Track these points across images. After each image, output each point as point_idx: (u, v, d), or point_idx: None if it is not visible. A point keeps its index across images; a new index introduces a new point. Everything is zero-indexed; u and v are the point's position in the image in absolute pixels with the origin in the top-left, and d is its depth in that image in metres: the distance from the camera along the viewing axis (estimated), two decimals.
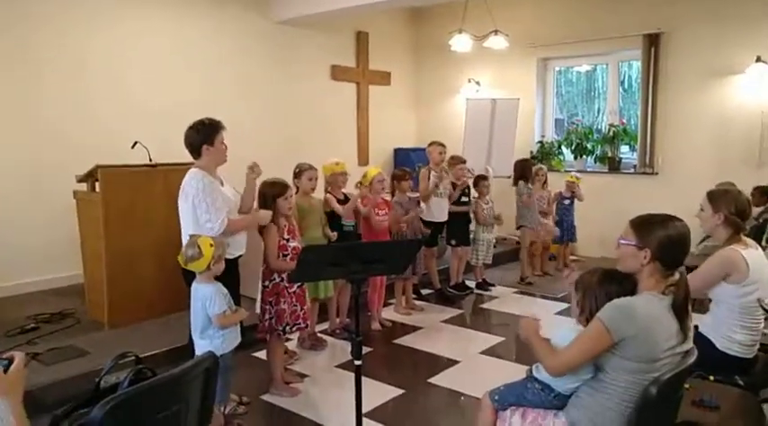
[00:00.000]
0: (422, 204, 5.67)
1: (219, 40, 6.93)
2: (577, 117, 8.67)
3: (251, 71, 7.28)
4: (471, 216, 6.19)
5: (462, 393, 3.89)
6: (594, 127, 8.36)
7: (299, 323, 3.81)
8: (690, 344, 2.14)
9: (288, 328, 3.74)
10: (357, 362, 2.63)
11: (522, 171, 6.53)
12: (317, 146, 6.99)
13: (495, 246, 6.54)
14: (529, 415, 2.29)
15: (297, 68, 7.79)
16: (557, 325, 2.35)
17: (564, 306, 5.51)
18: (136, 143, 4.78)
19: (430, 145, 5.87)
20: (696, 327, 2.73)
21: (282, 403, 3.75)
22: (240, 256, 3.62)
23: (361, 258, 2.59)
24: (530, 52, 8.14)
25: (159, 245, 4.56)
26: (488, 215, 6.21)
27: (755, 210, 4.82)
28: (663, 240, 2.12)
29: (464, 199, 6.03)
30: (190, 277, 3.21)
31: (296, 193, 4.18)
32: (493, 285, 6.43)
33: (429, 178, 5.68)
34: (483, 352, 4.65)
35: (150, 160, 4.85)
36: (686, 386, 2.28)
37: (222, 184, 3.56)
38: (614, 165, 7.80)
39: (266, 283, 3.75)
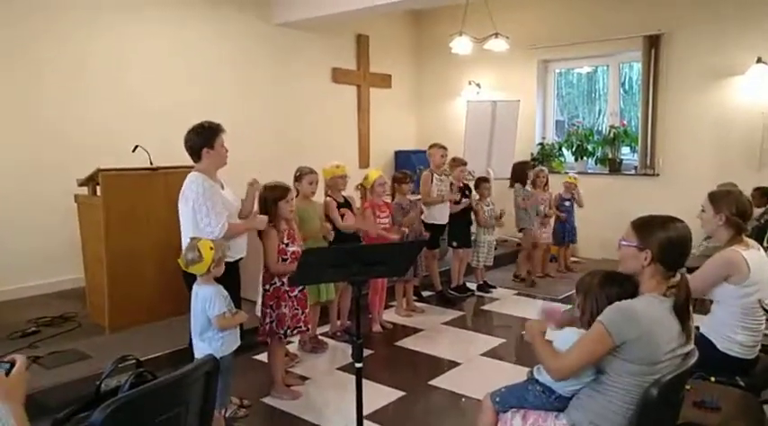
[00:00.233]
0: (423, 207, 5.69)
1: (220, 43, 6.94)
2: (578, 118, 8.67)
3: (251, 73, 7.30)
4: (472, 217, 6.19)
5: (463, 395, 3.89)
6: (595, 128, 8.35)
7: (300, 327, 3.81)
8: (691, 346, 2.14)
9: (289, 332, 3.74)
10: (358, 365, 2.63)
11: (519, 174, 6.55)
12: (317, 149, 7.01)
13: (495, 248, 6.54)
14: (530, 417, 2.29)
15: (297, 71, 7.80)
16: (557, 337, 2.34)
17: (565, 307, 5.49)
18: (137, 147, 4.79)
19: (431, 147, 5.88)
20: (697, 328, 2.73)
21: (283, 405, 3.74)
22: (241, 259, 3.63)
23: (362, 260, 2.59)
24: (530, 54, 8.14)
25: (160, 249, 4.57)
26: (489, 216, 6.21)
27: (757, 211, 4.82)
28: (663, 241, 2.12)
29: (465, 200, 6.03)
30: (190, 280, 3.22)
31: (296, 197, 4.17)
32: (494, 287, 6.43)
33: (431, 181, 5.69)
34: (484, 354, 4.64)
35: (151, 163, 4.85)
36: (687, 387, 2.28)
37: (222, 187, 3.57)
38: (615, 167, 7.80)
39: (267, 287, 3.74)
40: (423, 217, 5.68)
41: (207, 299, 3.07)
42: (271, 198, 3.70)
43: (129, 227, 4.60)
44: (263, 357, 4.21)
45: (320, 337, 4.80)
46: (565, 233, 6.98)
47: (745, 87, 6.64)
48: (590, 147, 8.02)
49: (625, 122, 7.92)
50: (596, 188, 7.53)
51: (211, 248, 3.06)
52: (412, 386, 4.02)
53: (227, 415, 3.43)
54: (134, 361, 2.01)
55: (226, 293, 3.16)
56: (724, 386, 2.70)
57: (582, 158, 8.08)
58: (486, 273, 6.49)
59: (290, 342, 4.28)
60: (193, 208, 3.33)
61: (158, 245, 4.59)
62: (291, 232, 3.83)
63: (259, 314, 3.83)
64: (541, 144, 8.37)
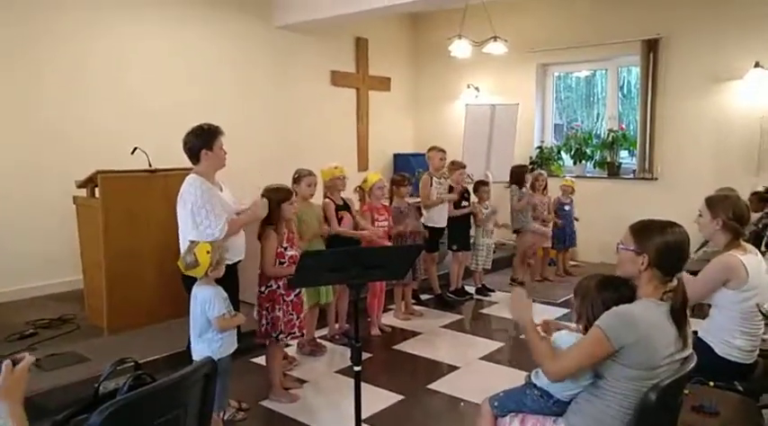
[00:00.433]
0: (423, 210, 5.69)
1: (220, 45, 6.95)
2: (576, 122, 8.68)
3: (251, 76, 7.30)
4: (471, 220, 6.19)
5: (462, 399, 3.89)
6: (594, 132, 8.36)
7: (294, 332, 3.79)
8: (689, 350, 2.14)
9: (282, 336, 3.72)
10: (356, 368, 2.63)
11: (517, 177, 6.59)
12: (316, 152, 7.01)
13: (494, 251, 6.55)
14: (528, 421, 2.29)
15: (297, 73, 7.81)
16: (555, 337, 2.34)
17: (563, 311, 5.51)
18: (135, 149, 4.79)
19: (430, 150, 5.89)
20: (695, 332, 2.74)
21: (281, 409, 3.74)
22: (239, 262, 3.62)
23: (361, 263, 2.58)
24: (529, 58, 8.16)
25: (159, 251, 4.57)
26: (487, 217, 6.19)
27: (754, 216, 4.81)
28: (660, 246, 2.12)
29: (464, 203, 6.03)
30: (189, 282, 3.22)
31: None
32: (492, 290, 6.43)
33: (431, 184, 5.70)
34: (482, 358, 4.64)
35: (150, 165, 4.85)
36: (686, 391, 2.28)
37: (221, 189, 3.57)
38: (613, 171, 7.81)
39: (262, 289, 3.74)
40: (422, 219, 5.68)
41: (207, 301, 3.07)
42: (274, 199, 3.69)
43: (127, 229, 4.59)
44: (261, 360, 4.20)
45: (318, 340, 4.80)
46: (565, 237, 6.99)
47: (744, 91, 6.65)
48: (588, 151, 8.04)
49: (624, 126, 7.93)
50: (595, 191, 7.53)
51: (208, 252, 3.06)
52: (410, 389, 4.02)
53: (225, 418, 3.42)
54: (132, 364, 2.01)
55: (225, 295, 3.16)
56: (722, 391, 2.70)
57: (580, 162, 8.08)
58: (485, 277, 6.49)
59: (288, 345, 4.28)
60: (192, 211, 3.33)
61: (157, 247, 4.59)
62: (291, 235, 3.82)
63: (256, 316, 3.83)
64: (540, 147, 8.38)
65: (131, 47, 6.17)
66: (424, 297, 6.12)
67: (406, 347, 4.89)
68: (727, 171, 6.56)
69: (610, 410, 2.07)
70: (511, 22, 7.73)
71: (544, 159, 8.25)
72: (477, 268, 6.31)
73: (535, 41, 8.01)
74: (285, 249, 3.73)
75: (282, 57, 7.63)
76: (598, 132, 8.33)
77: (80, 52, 5.82)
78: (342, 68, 8.42)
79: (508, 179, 6.73)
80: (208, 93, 6.71)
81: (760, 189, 5.68)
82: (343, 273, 2.61)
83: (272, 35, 7.47)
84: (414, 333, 5.20)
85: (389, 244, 5.01)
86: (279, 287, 3.70)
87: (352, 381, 2.67)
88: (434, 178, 5.74)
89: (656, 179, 7.30)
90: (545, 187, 6.86)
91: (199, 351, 3.10)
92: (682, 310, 2.10)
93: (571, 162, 8.17)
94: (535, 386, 2.30)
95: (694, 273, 2.89)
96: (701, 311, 3.18)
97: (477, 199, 6.28)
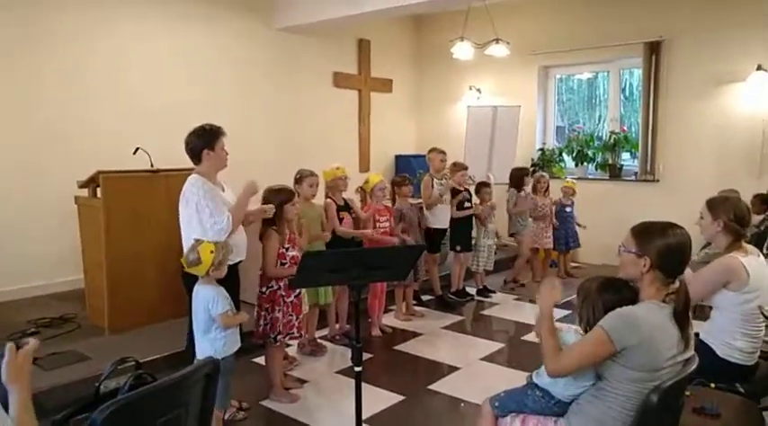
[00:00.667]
0: (425, 211, 5.69)
1: (221, 46, 6.95)
2: (578, 124, 8.69)
3: (253, 77, 7.31)
4: (473, 221, 6.18)
5: (462, 399, 3.89)
6: (595, 134, 8.35)
7: (293, 333, 3.79)
8: (691, 352, 2.14)
9: (280, 337, 3.71)
10: (357, 368, 2.62)
11: (516, 179, 6.58)
12: (318, 153, 7.00)
13: (495, 253, 6.54)
14: (529, 422, 2.29)
15: (299, 75, 7.82)
16: (564, 330, 2.34)
17: (565, 312, 5.50)
18: (137, 149, 4.80)
19: (430, 152, 5.89)
20: (697, 334, 2.73)
21: (282, 409, 3.74)
22: (240, 262, 3.63)
23: (363, 264, 2.58)
24: (531, 60, 8.16)
25: (160, 251, 4.57)
26: (488, 215, 6.18)
27: (756, 218, 4.82)
28: (662, 249, 2.12)
29: (467, 205, 6.03)
30: (189, 282, 3.22)
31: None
32: (493, 291, 6.43)
33: (432, 185, 5.70)
34: (483, 359, 4.64)
35: (151, 165, 4.86)
36: (687, 393, 2.28)
37: (223, 190, 3.57)
38: (615, 173, 7.80)
39: (263, 289, 3.75)
40: (425, 221, 5.68)
41: (209, 299, 3.06)
42: (276, 200, 3.70)
43: (129, 229, 4.60)
44: (261, 360, 4.19)
45: (319, 340, 4.80)
46: (567, 238, 6.98)
47: (746, 94, 6.65)
48: (590, 153, 8.03)
49: (625, 128, 7.93)
50: (596, 194, 7.53)
51: (212, 251, 3.06)
52: (411, 390, 4.02)
53: (226, 417, 3.42)
54: (133, 363, 2.01)
55: (227, 294, 3.16)
56: (724, 393, 2.70)
57: (582, 164, 8.08)
58: (486, 278, 6.49)
59: (288, 345, 4.28)
60: (196, 210, 3.33)
61: (159, 247, 4.59)
62: (292, 236, 3.83)
63: (255, 316, 3.83)
64: (542, 149, 8.38)
65: (132, 47, 6.18)
66: (424, 297, 6.11)
67: (407, 348, 4.89)
68: (730, 173, 6.56)
69: (611, 411, 2.07)
70: (513, 25, 7.74)
71: (546, 161, 8.25)
72: (479, 269, 6.30)
73: (537, 43, 8.01)
74: (287, 250, 3.74)
75: (285, 58, 7.64)
76: (600, 134, 8.33)
77: (80, 52, 5.83)
78: (344, 70, 8.43)
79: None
80: (209, 93, 6.71)
81: (762, 191, 5.68)
82: (344, 274, 2.61)
83: (274, 36, 7.47)
84: (414, 334, 5.20)
85: (396, 240, 5.02)
86: (280, 287, 3.71)
87: (352, 381, 2.67)
88: (435, 179, 5.74)
89: (658, 181, 7.30)
90: (547, 189, 6.85)
91: (203, 351, 3.10)
92: (684, 312, 2.09)
93: (573, 164, 8.18)
94: (536, 386, 2.30)
95: None
96: (703, 313, 3.17)
97: (479, 201, 6.28)
